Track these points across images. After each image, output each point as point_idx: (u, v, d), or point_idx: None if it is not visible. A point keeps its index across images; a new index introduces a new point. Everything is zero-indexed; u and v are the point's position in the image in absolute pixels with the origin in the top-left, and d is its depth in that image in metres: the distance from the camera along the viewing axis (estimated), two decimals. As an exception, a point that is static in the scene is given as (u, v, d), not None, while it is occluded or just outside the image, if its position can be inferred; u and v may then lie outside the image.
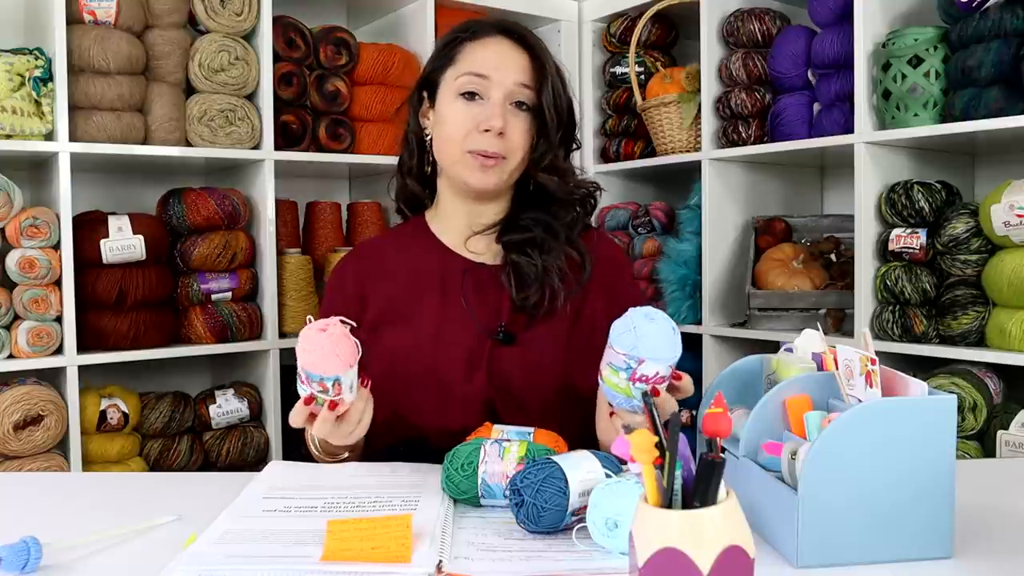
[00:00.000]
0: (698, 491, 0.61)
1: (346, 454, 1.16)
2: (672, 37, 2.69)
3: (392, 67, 2.41)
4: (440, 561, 0.79)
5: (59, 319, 1.96)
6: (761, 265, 2.28)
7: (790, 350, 1.04)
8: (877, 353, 0.86)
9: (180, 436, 2.17)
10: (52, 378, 2.01)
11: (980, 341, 1.86)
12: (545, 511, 0.87)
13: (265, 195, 2.23)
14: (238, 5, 2.17)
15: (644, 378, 0.94)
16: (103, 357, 2.02)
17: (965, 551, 0.84)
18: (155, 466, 2.11)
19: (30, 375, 1.98)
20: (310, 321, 0.99)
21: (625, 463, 0.67)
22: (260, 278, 2.28)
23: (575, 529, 0.86)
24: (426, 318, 1.25)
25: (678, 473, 0.61)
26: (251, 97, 2.23)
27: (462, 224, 1.30)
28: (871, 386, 0.85)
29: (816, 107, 2.21)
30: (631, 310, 0.96)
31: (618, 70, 2.71)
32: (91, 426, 2.01)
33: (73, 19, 1.97)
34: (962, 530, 0.85)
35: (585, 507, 0.86)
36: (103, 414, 2.03)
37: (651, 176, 2.81)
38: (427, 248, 1.31)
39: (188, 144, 2.15)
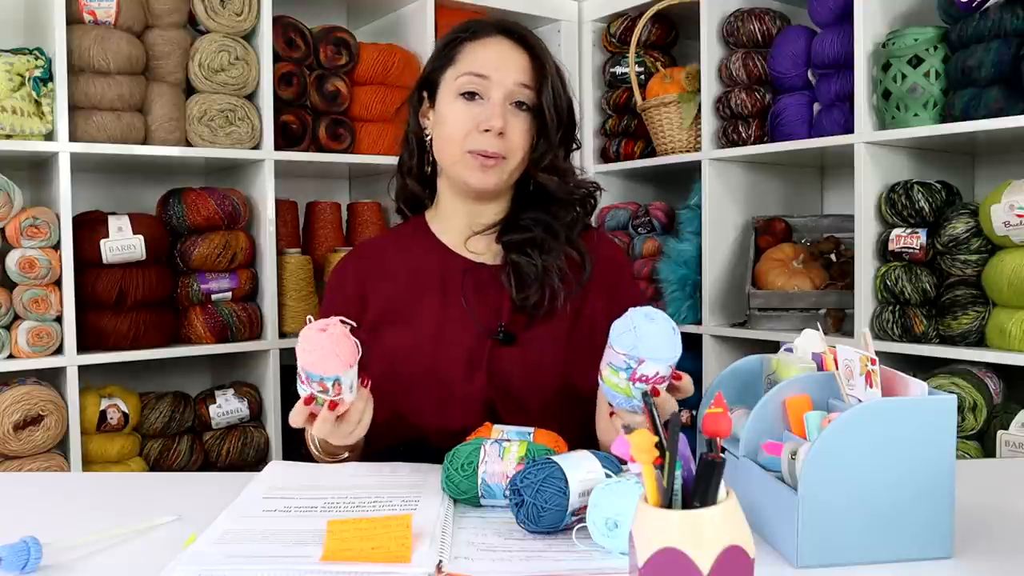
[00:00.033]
0: (698, 491, 0.61)
1: (346, 454, 1.16)
2: (672, 37, 2.69)
3: (392, 67, 2.41)
4: (440, 561, 0.79)
5: (59, 319, 1.96)
6: (761, 265, 2.28)
7: (790, 350, 1.04)
8: (877, 353, 0.86)
9: (180, 436, 2.17)
10: (52, 378, 2.01)
11: (980, 341, 1.86)
12: (545, 511, 0.87)
13: (265, 195, 2.23)
14: (238, 5, 2.17)
15: (644, 378, 0.94)
16: (103, 357, 2.02)
17: (965, 551, 0.84)
18: (155, 466, 2.11)
19: (30, 375, 1.98)
20: (310, 321, 0.99)
21: (625, 463, 0.67)
22: (260, 278, 2.28)
23: (575, 529, 0.86)
24: (426, 318, 1.25)
25: (678, 473, 0.61)
26: (251, 97, 2.23)
27: (462, 224, 1.30)
28: (871, 386, 0.85)
29: (816, 107, 2.21)
30: (631, 310, 0.96)
31: (618, 70, 2.71)
32: (91, 426, 2.01)
33: (73, 19, 1.97)
34: (962, 530, 0.85)
35: (585, 507, 0.86)
36: (103, 414, 2.03)
37: (651, 176, 2.81)
38: (427, 248, 1.31)
39: (188, 144, 2.15)
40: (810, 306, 2.20)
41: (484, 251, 1.29)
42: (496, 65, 1.23)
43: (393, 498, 0.98)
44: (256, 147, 2.22)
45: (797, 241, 2.36)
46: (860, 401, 0.86)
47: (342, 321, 0.98)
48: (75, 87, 1.97)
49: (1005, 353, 1.78)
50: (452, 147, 1.23)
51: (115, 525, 0.92)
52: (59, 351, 1.97)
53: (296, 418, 1.03)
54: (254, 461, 2.23)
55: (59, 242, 1.94)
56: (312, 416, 1.03)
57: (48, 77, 1.94)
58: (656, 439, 0.59)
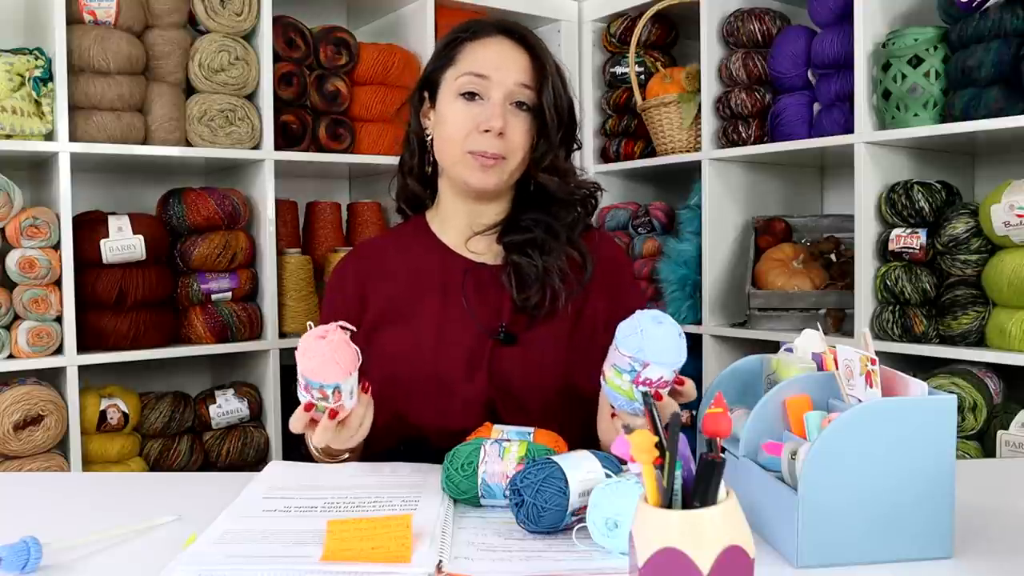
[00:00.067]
0: (698, 491, 0.61)
1: (346, 455, 1.16)
2: (672, 37, 2.69)
3: (392, 67, 2.41)
4: (440, 561, 0.79)
5: (59, 319, 1.96)
6: (761, 265, 2.28)
7: (790, 350, 1.04)
8: (877, 353, 0.86)
9: (180, 436, 2.17)
10: (52, 378, 2.01)
11: (980, 341, 1.86)
12: (545, 511, 0.87)
13: (265, 195, 2.23)
14: (238, 5, 2.17)
15: (648, 382, 0.93)
16: (103, 357, 2.02)
17: (965, 551, 0.84)
18: (155, 466, 2.11)
19: (30, 375, 1.98)
20: (310, 327, 0.99)
21: (625, 463, 0.67)
22: (260, 278, 2.28)
23: (575, 529, 0.86)
24: (426, 318, 1.25)
25: (678, 473, 0.61)
26: (251, 97, 2.23)
27: (463, 224, 1.30)
28: (871, 386, 0.85)
29: (816, 107, 2.21)
30: (638, 312, 0.96)
31: (618, 70, 2.71)
32: (91, 426, 2.01)
33: (73, 19, 1.97)
34: (962, 530, 0.85)
35: (585, 507, 0.86)
36: (103, 414, 2.03)
37: (651, 176, 2.81)
38: (428, 248, 1.31)
39: (188, 144, 2.15)
40: (810, 306, 2.20)
41: (485, 251, 1.29)
42: (496, 65, 1.23)
43: (393, 498, 0.98)
44: (256, 147, 2.22)
45: (797, 241, 2.36)
46: (860, 401, 0.86)
47: (341, 327, 0.98)
48: (75, 87, 1.97)
49: (1005, 353, 1.78)
50: (452, 147, 1.23)
51: (115, 525, 0.92)
52: (59, 351, 1.97)
53: (296, 424, 1.04)
54: (254, 461, 2.23)
55: (59, 242, 1.94)
56: (313, 422, 1.03)
57: (48, 77, 1.94)
58: (656, 439, 0.59)
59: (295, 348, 0.99)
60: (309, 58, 2.32)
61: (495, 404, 1.20)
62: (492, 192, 1.27)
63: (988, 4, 1.81)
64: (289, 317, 2.31)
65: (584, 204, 1.32)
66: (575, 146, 1.33)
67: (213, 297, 2.19)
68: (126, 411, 2.06)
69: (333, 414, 1.00)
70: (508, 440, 1.00)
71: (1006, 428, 1.73)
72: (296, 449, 1.38)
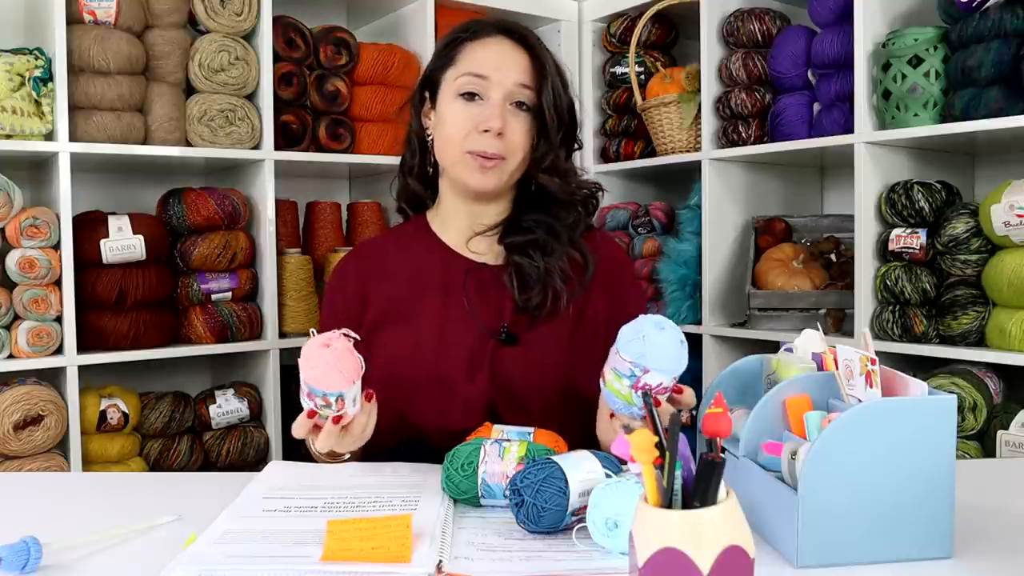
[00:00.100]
0: (698, 491, 0.61)
1: (347, 456, 1.16)
2: (672, 37, 2.69)
3: (392, 67, 2.41)
4: (440, 561, 0.79)
5: (59, 319, 1.96)
6: (761, 265, 2.28)
7: (790, 350, 1.04)
8: (877, 353, 0.86)
9: (180, 436, 2.17)
10: (52, 378, 2.01)
11: (980, 341, 1.86)
12: (545, 511, 0.87)
13: (265, 195, 2.23)
14: (238, 5, 2.17)
15: (647, 387, 0.93)
16: (103, 357, 2.02)
17: (965, 551, 0.84)
18: (155, 466, 2.11)
19: (30, 375, 1.98)
20: (312, 335, 0.99)
21: (625, 463, 0.67)
22: (260, 278, 2.28)
23: (575, 529, 0.86)
24: (427, 318, 1.25)
25: (678, 473, 0.61)
26: (251, 97, 2.23)
27: (463, 224, 1.30)
28: (871, 386, 0.85)
29: (816, 107, 2.21)
30: (641, 317, 0.95)
31: (618, 70, 2.71)
32: (91, 426, 2.01)
33: (73, 19, 1.97)
34: (962, 530, 0.85)
35: (585, 507, 0.86)
36: (103, 414, 2.03)
37: (651, 176, 2.81)
38: (429, 248, 1.31)
39: (188, 144, 2.15)
40: (810, 306, 2.20)
41: (486, 251, 1.29)
42: (496, 65, 1.22)
43: (393, 498, 0.98)
44: (256, 147, 2.22)
45: (797, 241, 2.36)
46: (860, 401, 0.86)
47: (344, 335, 0.98)
48: (75, 87, 1.97)
49: (1005, 353, 1.78)
50: (452, 147, 1.23)
51: (115, 525, 0.92)
52: (59, 351, 1.97)
53: (299, 430, 1.04)
54: (254, 461, 2.23)
55: (59, 242, 1.94)
56: (316, 428, 1.03)
57: (48, 77, 1.94)
58: (656, 439, 0.59)
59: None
60: (309, 58, 2.32)
61: (496, 404, 1.20)
62: (492, 193, 1.27)
63: (988, 4, 1.81)
64: (289, 317, 2.31)
65: (585, 205, 1.32)
66: (576, 146, 1.33)
67: (213, 297, 2.19)
68: (126, 411, 2.06)
69: (336, 420, 1.01)
70: (508, 440, 1.00)
71: (1006, 428, 1.73)
72: (296, 449, 1.38)
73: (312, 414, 1.01)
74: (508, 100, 1.22)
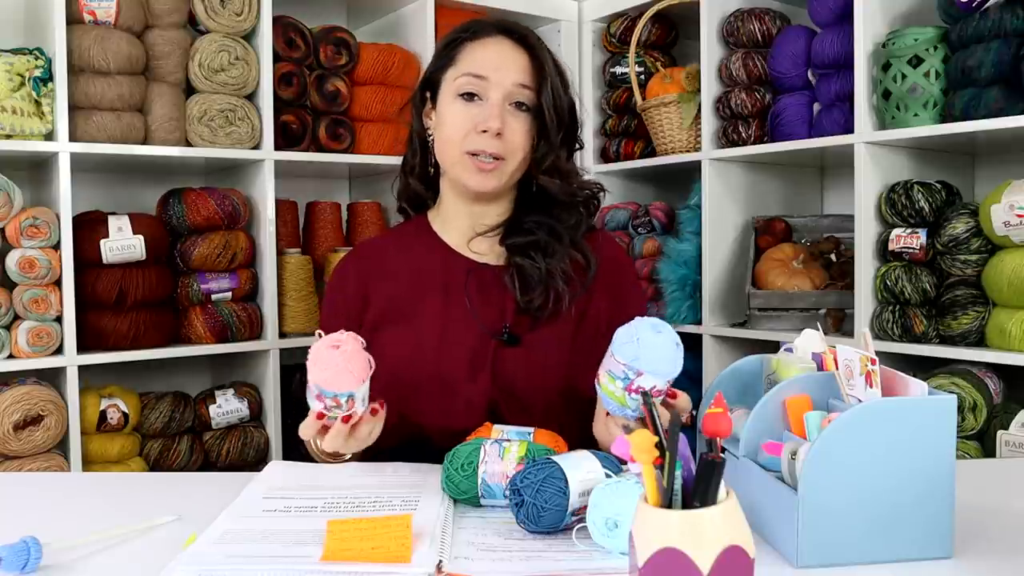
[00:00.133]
0: (698, 491, 0.61)
1: (348, 456, 1.16)
2: (672, 37, 2.69)
3: (392, 67, 2.41)
4: (440, 561, 0.79)
5: (59, 319, 1.96)
6: (761, 265, 2.28)
7: (790, 350, 1.04)
8: (877, 353, 0.86)
9: (180, 436, 2.17)
10: (52, 378, 2.01)
11: (980, 341, 1.86)
12: (545, 511, 0.87)
13: (265, 195, 2.23)
14: (238, 5, 2.17)
15: (641, 390, 0.93)
16: (103, 357, 2.02)
17: (965, 551, 0.84)
18: (155, 466, 2.11)
19: (30, 375, 1.98)
20: (319, 336, 0.99)
21: (625, 463, 0.67)
22: (260, 278, 2.28)
23: (575, 529, 0.86)
24: (428, 318, 1.25)
25: (678, 473, 0.61)
26: (251, 97, 2.23)
27: (464, 225, 1.30)
28: (871, 386, 0.85)
29: (816, 107, 2.21)
30: (637, 320, 0.95)
31: (618, 70, 2.71)
32: (91, 426, 2.01)
33: (73, 19, 1.97)
34: (962, 530, 0.85)
35: (585, 507, 0.86)
36: (103, 414, 2.03)
37: (651, 176, 2.81)
38: (430, 247, 1.31)
39: (188, 144, 2.15)
40: (810, 306, 2.20)
41: (487, 251, 1.29)
42: (495, 66, 1.22)
43: (393, 498, 0.98)
44: (256, 147, 2.22)
45: (797, 241, 2.36)
46: (860, 401, 0.86)
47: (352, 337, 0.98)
48: (75, 87, 1.97)
49: (1005, 353, 1.78)
50: (451, 148, 1.23)
51: (115, 525, 0.92)
52: (59, 351, 1.97)
53: (307, 431, 1.04)
54: (254, 461, 2.23)
55: (59, 242, 1.94)
56: (324, 428, 1.03)
57: (48, 77, 1.94)
58: (656, 439, 0.59)
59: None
60: (309, 58, 2.32)
61: (498, 405, 1.20)
62: (492, 194, 1.26)
63: (988, 4, 1.81)
64: (289, 317, 2.31)
65: (587, 205, 1.32)
66: (577, 147, 1.33)
67: (213, 297, 2.19)
68: (126, 411, 2.06)
69: (346, 420, 1.01)
70: (508, 440, 1.00)
71: (1006, 428, 1.73)
72: (296, 449, 1.38)
73: (322, 415, 1.01)
74: (507, 100, 1.22)
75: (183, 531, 0.90)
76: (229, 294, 2.21)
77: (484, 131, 1.20)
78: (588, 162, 2.75)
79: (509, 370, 1.21)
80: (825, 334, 1.02)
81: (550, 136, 1.24)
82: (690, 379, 2.42)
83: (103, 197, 2.29)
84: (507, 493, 0.92)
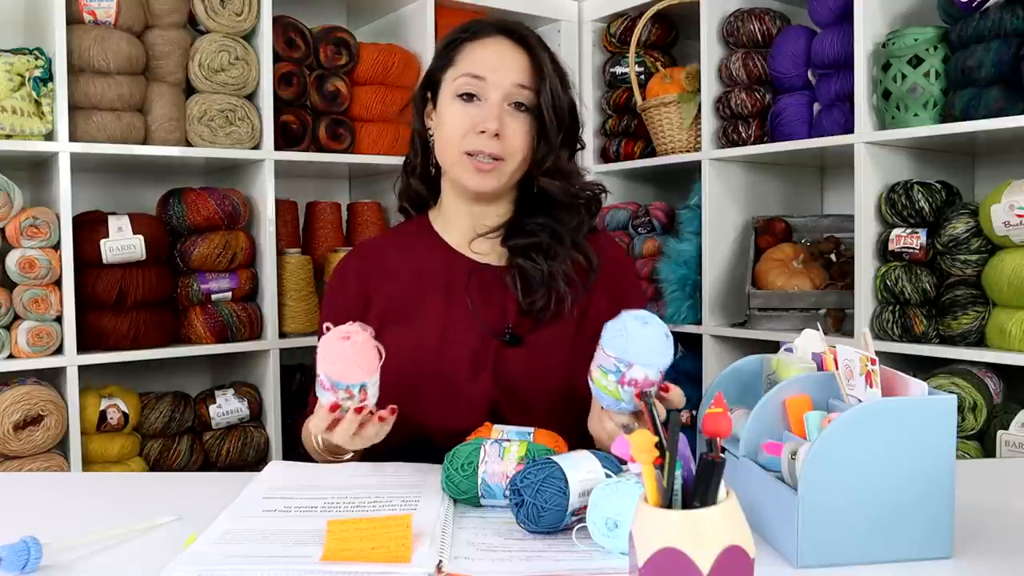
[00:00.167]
0: (698, 491, 0.61)
1: (350, 454, 1.16)
2: (672, 37, 2.69)
3: (392, 67, 2.41)
4: (440, 561, 0.79)
5: (59, 319, 1.95)
6: (761, 265, 2.28)
7: (790, 350, 1.04)
8: (877, 353, 0.86)
9: (180, 436, 2.17)
10: (52, 378, 2.01)
11: (980, 341, 1.86)
12: (545, 511, 0.87)
13: (265, 195, 2.23)
14: (238, 5, 2.17)
15: (633, 382, 0.93)
16: (103, 357, 2.02)
17: (965, 551, 0.84)
18: (155, 466, 2.11)
19: (30, 375, 1.98)
20: (327, 329, 0.99)
21: (625, 463, 0.67)
22: (260, 278, 2.28)
23: (575, 529, 0.86)
24: (430, 317, 1.24)
25: (678, 473, 0.61)
26: (251, 97, 2.23)
27: (466, 225, 1.30)
28: (871, 386, 0.85)
29: (816, 107, 2.21)
30: (623, 312, 0.96)
31: (618, 70, 2.71)
32: (91, 426, 2.01)
33: (73, 19, 1.97)
34: (962, 530, 0.85)
35: (585, 507, 0.86)
36: (103, 414, 2.03)
37: (651, 176, 2.81)
38: (431, 247, 1.31)
39: (188, 144, 2.15)
40: (810, 306, 2.20)
41: (489, 252, 1.29)
42: (494, 66, 1.22)
43: (393, 498, 0.98)
44: (256, 147, 2.22)
45: (797, 241, 2.36)
46: (860, 401, 0.86)
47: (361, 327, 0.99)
48: (75, 87, 1.97)
49: (1005, 353, 1.78)
50: (450, 148, 1.23)
51: (115, 525, 0.92)
52: (59, 351, 1.97)
53: (320, 425, 1.03)
54: (254, 461, 2.23)
55: (59, 242, 1.94)
56: (334, 422, 1.03)
57: (48, 77, 1.94)
58: (656, 439, 0.59)
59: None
60: (309, 58, 2.32)
61: (500, 405, 1.20)
62: (491, 194, 1.26)
63: (988, 4, 1.81)
64: (289, 317, 2.31)
65: (588, 207, 1.31)
66: (579, 147, 1.33)
67: (213, 297, 2.19)
68: (126, 411, 2.06)
69: (359, 411, 1.01)
70: (508, 440, 1.00)
71: (1006, 428, 1.73)
72: (296, 449, 1.38)
73: (335, 407, 1.01)
74: (506, 101, 1.22)
75: (183, 531, 0.90)
76: (229, 294, 2.21)
77: (482, 132, 1.20)
78: (588, 162, 2.75)
79: (511, 370, 1.21)
80: (825, 334, 1.02)
81: (549, 137, 1.24)
82: (690, 379, 2.42)
83: (103, 197, 2.29)
84: (507, 493, 0.92)
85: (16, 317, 1.93)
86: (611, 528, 0.82)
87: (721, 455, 0.60)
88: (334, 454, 1.16)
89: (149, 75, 2.10)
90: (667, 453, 0.60)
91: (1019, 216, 1.71)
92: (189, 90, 2.18)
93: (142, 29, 2.08)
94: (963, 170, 2.19)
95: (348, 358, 0.97)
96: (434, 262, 1.29)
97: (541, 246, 1.24)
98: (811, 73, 2.22)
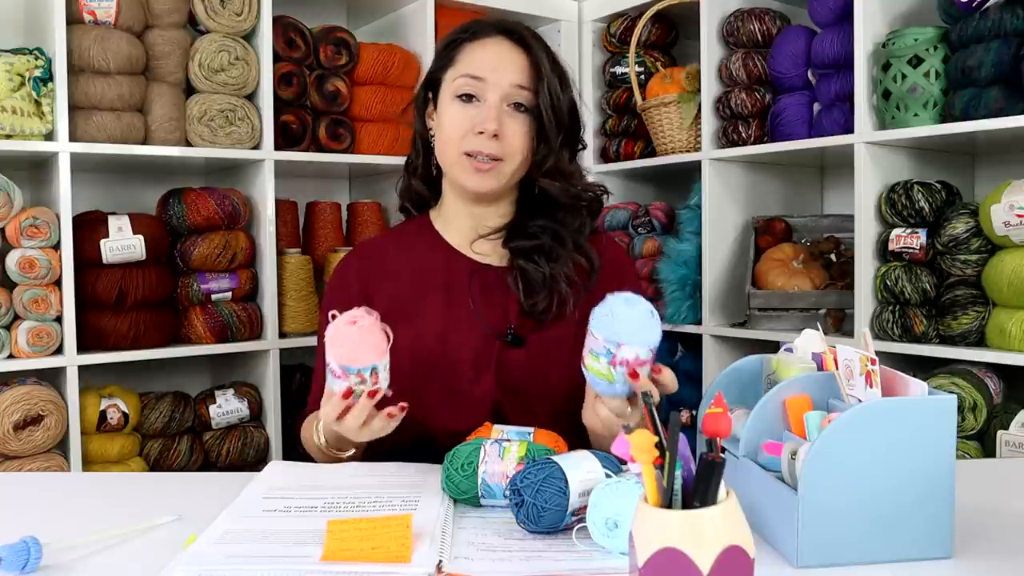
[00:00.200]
0: (698, 491, 0.61)
1: (352, 451, 1.16)
2: (672, 37, 2.69)
3: (392, 67, 2.41)
4: (440, 561, 0.79)
5: (59, 319, 1.96)
6: (761, 265, 2.28)
7: (790, 350, 1.04)
8: (877, 353, 0.86)
9: (180, 436, 2.17)
10: (52, 378, 2.01)
11: (980, 341, 1.86)
12: (545, 511, 0.87)
13: (265, 195, 2.23)
14: (238, 5, 2.17)
15: (624, 362, 0.95)
16: (103, 357, 2.02)
17: (965, 551, 0.84)
18: (155, 466, 2.11)
19: (30, 375, 1.98)
20: (333, 317, 1.00)
21: (625, 463, 0.67)
22: (260, 278, 2.28)
23: (575, 529, 0.86)
24: (431, 317, 1.24)
25: (678, 473, 0.61)
26: (251, 97, 2.23)
27: (466, 226, 1.30)
28: (871, 386, 0.85)
29: (816, 107, 2.21)
30: (608, 296, 0.97)
31: (618, 70, 2.71)
32: (91, 426, 2.01)
33: (73, 19, 1.97)
34: (962, 530, 0.85)
35: (585, 507, 0.86)
36: (103, 414, 2.03)
37: (651, 176, 2.81)
38: (432, 247, 1.31)
39: (188, 144, 2.15)
40: (810, 306, 2.20)
41: (490, 252, 1.29)
42: (493, 67, 1.22)
43: (393, 498, 0.98)
44: (256, 147, 2.22)
45: (797, 241, 2.36)
46: (860, 401, 0.86)
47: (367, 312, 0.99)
48: (75, 87, 1.97)
49: (1005, 353, 1.78)
50: (450, 149, 1.23)
51: (115, 525, 0.92)
52: (59, 351, 1.97)
53: (332, 413, 1.03)
54: (254, 461, 2.23)
55: (59, 242, 1.94)
56: (344, 412, 1.03)
57: (48, 77, 1.94)
58: (656, 439, 0.59)
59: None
60: (309, 58, 2.32)
61: (502, 406, 1.20)
62: (491, 195, 1.26)
63: (988, 4, 1.81)
64: (289, 317, 2.31)
65: (590, 208, 1.31)
66: (580, 147, 1.32)
67: (213, 297, 2.19)
68: (126, 411, 2.06)
69: (372, 395, 1.01)
70: (508, 440, 1.00)
71: (1006, 428, 1.73)
72: (296, 449, 1.38)
73: (348, 393, 1.01)
74: (505, 102, 1.22)
75: (183, 531, 0.90)
76: (229, 294, 2.21)
77: (481, 132, 1.20)
78: (588, 162, 2.75)
79: (513, 371, 1.21)
80: (825, 334, 1.02)
81: (549, 137, 1.24)
82: (690, 379, 2.42)
83: (103, 197, 2.29)
84: (507, 493, 0.92)
85: (16, 317, 1.93)
86: (611, 528, 0.82)
87: (721, 455, 0.60)
88: (336, 450, 1.16)
89: (149, 75, 2.10)
90: (667, 453, 0.60)
91: (1019, 216, 1.71)
92: (189, 90, 2.18)
93: (142, 29, 2.08)
94: (963, 170, 2.19)
95: (356, 341, 0.98)
96: (435, 262, 1.29)
97: (543, 248, 1.24)
98: (811, 73, 2.22)
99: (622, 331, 0.94)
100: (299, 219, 2.54)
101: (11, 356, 1.92)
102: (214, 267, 2.18)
